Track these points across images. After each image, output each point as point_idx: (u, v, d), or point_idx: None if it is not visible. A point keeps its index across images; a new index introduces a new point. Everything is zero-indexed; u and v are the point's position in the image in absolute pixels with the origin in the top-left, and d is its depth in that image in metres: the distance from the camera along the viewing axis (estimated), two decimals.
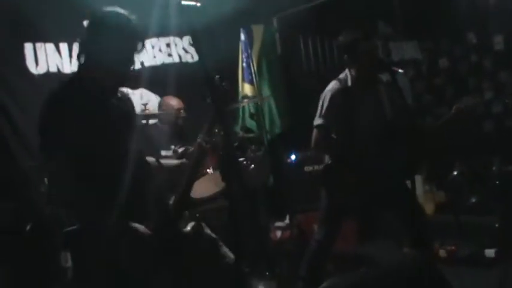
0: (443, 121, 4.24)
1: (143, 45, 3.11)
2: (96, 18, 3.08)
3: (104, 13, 3.07)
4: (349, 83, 4.24)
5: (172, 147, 5.26)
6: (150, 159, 3.32)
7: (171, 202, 3.21)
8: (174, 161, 3.51)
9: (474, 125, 6.15)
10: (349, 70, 4.28)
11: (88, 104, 2.84)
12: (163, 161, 3.39)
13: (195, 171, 3.24)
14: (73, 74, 3.12)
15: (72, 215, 3.11)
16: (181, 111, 5.54)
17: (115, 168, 2.85)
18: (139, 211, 2.97)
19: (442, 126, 4.23)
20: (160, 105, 5.73)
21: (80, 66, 3.02)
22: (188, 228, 3.20)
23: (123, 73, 3.04)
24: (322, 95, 4.30)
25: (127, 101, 3.27)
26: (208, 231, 3.33)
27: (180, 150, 5.21)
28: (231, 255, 3.23)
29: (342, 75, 4.33)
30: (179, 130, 5.50)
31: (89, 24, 3.08)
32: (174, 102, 5.55)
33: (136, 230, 2.91)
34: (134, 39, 3.03)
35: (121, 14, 3.07)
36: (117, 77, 3.04)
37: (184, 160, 3.45)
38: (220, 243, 3.31)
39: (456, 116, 4.13)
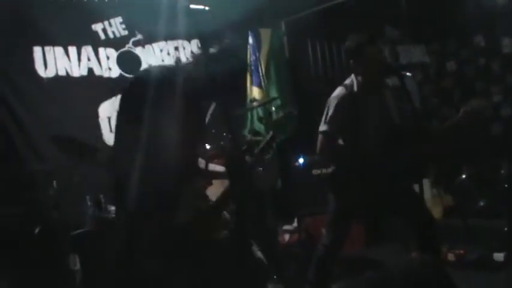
0: (450, 123, 4.22)
1: None
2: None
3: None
4: (355, 89, 4.23)
5: None
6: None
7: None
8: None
9: (482, 128, 6.13)
10: (355, 75, 4.28)
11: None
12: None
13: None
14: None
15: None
16: None
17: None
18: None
19: (449, 128, 4.21)
20: None
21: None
22: (222, 235, 3.19)
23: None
24: (328, 101, 4.29)
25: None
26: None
27: None
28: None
29: (347, 81, 4.31)
30: None
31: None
32: None
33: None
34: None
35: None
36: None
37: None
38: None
39: (463, 119, 4.11)
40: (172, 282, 2.89)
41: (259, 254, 3.32)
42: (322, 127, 4.27)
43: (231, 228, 3.31)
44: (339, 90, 4.28)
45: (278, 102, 6.81)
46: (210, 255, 3.07)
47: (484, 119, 6.07)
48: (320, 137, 4.29)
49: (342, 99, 4.20)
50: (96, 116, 5.85)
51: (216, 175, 3.52)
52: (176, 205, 2.93)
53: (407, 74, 3.99)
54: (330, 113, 4.22)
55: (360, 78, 4.23)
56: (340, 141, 4.34)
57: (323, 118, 4.28)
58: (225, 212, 3.39)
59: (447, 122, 4.26)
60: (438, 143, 4.31)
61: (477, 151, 6.11)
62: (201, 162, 3.41)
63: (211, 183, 3.54)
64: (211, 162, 4.82)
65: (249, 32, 6.93)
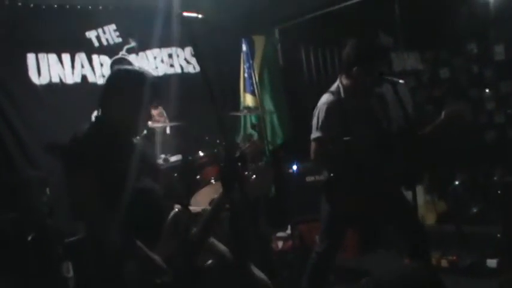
0: (433, 126, 4.22)
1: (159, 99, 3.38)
2: (119, 75, 3.31)
3: (127, 71, 3.31)
4: (342, 95, 4.23)
5: (163, 156, 5.30)
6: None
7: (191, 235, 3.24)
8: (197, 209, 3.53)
9: (476, 134, 6.16)
10: (341, 81, 4.27)
11: (109, 143, 3.08)
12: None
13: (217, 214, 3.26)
14: (96, 118, 3.35)
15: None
16: (164, 119, 5.59)
17: (132, 200, 2.98)
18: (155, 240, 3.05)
19: (433, 132, 4.21)
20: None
21: (103, 110, 3.24)
22: (209, 262, 3.20)
23: (141, 125, 3.28)
24: (317, 108, 4.27)
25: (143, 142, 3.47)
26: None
27: (172, 159, 5.26)
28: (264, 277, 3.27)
29: (333, 88, 4.29)
30: (168, 139, 5.54)
31: (111, 79, 3.31)
32: (155, 112, 5.59)
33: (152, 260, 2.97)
34: (152, 96, 3.21)
35: (142, 73, 3.25)
36: (135, 128, 3.28)
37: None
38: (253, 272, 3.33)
39: (445, 121, 4.12)
40: None
41: (260, 273, 3.32)
42: (315, 134, 4.26)
43: (220, 255, 3.33)
44: (326, 97, 4.26)
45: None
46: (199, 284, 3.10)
47: (477, 124, 6.11)
48: (313, 144, 4.28)
49: (331, 105, 4.19)
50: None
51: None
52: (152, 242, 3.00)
53: (400, 81, 3.99)
54: (320, 119, 4.21)
55: (348, 84, 4.21)
56: (333, 147, 4.34)
57: (314, 125, 4.27)
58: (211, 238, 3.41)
59: (431, 125, 4.26)
60: (425, 147, 4.31)
61: (471, 158, 6.13)
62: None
63: None
64: (204, 170, 4.86)
65: (243, 39, 6.94)
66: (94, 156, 2.95)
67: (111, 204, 2.91)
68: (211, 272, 3.15)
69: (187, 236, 3.16)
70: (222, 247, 3.43)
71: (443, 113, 4.13)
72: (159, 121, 5.65)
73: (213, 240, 3.42)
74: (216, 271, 3.17)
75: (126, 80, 3.21)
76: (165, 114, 5.81)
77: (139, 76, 3.20)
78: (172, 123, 5.87)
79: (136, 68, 3.42)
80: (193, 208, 3.45)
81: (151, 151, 3.53)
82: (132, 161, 3.11)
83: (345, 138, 4.06)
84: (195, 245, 3.13)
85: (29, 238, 4.47)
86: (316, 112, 4.27)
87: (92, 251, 3.08)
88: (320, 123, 4.21)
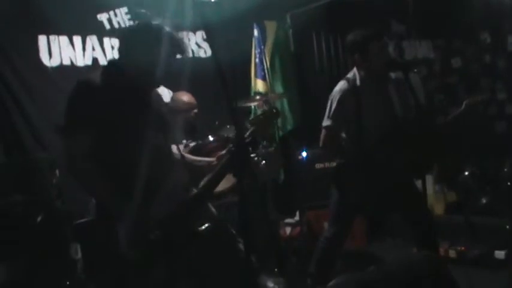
0: (453, 117, 4.21)
1: (182, 52, 3.41)
2: (140, 28, 3.35)
3: (148, 25, 3.29)
4: (358, 83, 4.23)
5: (184, 141, 5.27)
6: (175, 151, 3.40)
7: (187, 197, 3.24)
8: (205, 159, 3.52)
9: (486, 125, 6.12)
10: (358, 69, 4.27)
11: (121, 95, 3.00)
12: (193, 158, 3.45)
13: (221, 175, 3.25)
14: (109, 65, 3.30)
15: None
16: (193, 107, 5.52)
17: (137, 158, 2.95)
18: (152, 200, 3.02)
19: (451, 122, 4.20)
20: (172, 100, 5.72)
21: (119, 60, 3.21)
22: (203, 227, 3.19)
23: (158, 79, 3.21)
24: (331, 96, 4.29)
25: (158, 99, 3.44)
26: (228, 227, 3.36)
27: (192, 144, 5.24)
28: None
29: (350, 75, 4.31)
30: (190, 125, 5.50)
31: (133, 32, 3.35)
32: (185, 97, 5.53)
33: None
34: (173, 50, 3.28)
35: (163, 27, 3.27)
36: (152, 82, 3.26)
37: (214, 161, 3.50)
38: (239, 240, 3.33)
39: (466, 112, 4.11)
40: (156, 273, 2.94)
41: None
42: (326, 122, 4.27)
43: (216, 220, 3.33)
44: (341, 84, 4.28)
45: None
46: (193, 248, 3.10)
47: (487, 114, 6.08)
48: (323, 131, 4.29)
49: (344, 94, 4.20)
50: None
51: (194, 167, 3.55)
52: (153, 200, 2.99)
53: (414, 70, 3.98)
54: (333, 108, 4.23)
55: (362, 72, 4.23)
56: (344, 135, 4.35)
57: (326, 113, 4.28)
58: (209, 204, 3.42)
59: (450, 116, 4.25)
60: (441, 136, 4.30)
61: (481, 148, 6.11)
62: (177, 155, 3.44)
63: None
64: (214, 155, 4.85)
65: (254, 25, 6.92)
66: (102, 108, 2.91)
67: (108, 160, 2.91)
68: (206, 235, 3.16)
69: (187, 197, 3.19)
70: (214, 211, 3.47)
71: (464, 103, 4.12)
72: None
73: (209, 204, 3.44)
74: (212, 235, 3.17)
75: (147, 30, 3.21)
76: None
77: (159, 27, 3.22)
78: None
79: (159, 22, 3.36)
80: None
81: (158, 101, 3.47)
82: (148, 116, 3.08)
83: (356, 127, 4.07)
84: (193, 207, 3.15)
85: (38, 219, 4.48)
86: (330, 99, 4.28)
87: (101, 233, 3.08)
88: (332, 112, 4.23)
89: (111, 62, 3.25)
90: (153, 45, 3.10)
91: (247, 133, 3.34)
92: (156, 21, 3.28)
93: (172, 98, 5.64)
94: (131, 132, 2.97)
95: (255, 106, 6.94)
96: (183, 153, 3.49)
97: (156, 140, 3.10)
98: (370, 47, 4.11)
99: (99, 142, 2.90)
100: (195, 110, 5.48)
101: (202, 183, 3.29)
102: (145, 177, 2.93)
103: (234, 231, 3.43)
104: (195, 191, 3.24)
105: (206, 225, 3.17)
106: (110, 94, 2.96)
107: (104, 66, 3.29)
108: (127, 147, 2.95)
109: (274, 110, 3.60)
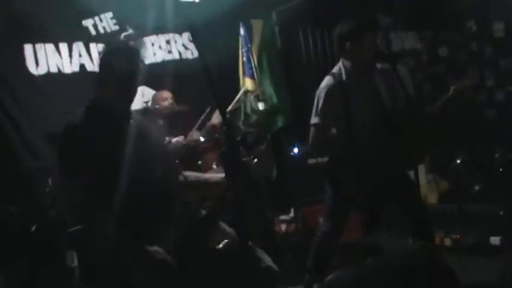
0: (442, 103, 4.22)
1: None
2: (109, 52, 3.32)
3: (116, 47, 3.37)
4: (344, 77, 4.21)
5: (167, 138, 5.30)
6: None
7: (200, 215, 3.25)
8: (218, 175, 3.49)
9: (476, 112, 6.15)
10: (343, 62, 4.26)
11: (107, 127, 3.04)
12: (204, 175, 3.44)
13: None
14: (89, 103, 3.29)
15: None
16: (169, 100, 5.57)
17: (134, 185, 2.94)
18: (160, 228, 3.04)
19: (440, 109, 4.21)
20: (153, 100, 5.74)
21: (97, 93, 3.28)
22: (221, 245, 3.18)
23: (133, 93, 3.25)
24: (317, 92, 4.25)
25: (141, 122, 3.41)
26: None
27: (174, 140, 5.25)
28: (271, 264, 3.27)
29: (335, 70, 4.28)
30: (172, 122, 5.52)
31: (104, 57, 3.30)
32: (165, 95, 5.58)
33: (151, 253, 2.96)
34: (140, 66, 3.22)
35: (130, 47, 3.34)
36: (129, 98, 3.26)
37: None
38: (260, 257, 3.29)
39: (454, 97, 4.12)
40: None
41: (268, 260, 3.30)
42: (314, 119, 4.25)
43: (231, 236, 3.30)
44: (326, 80, 4.25)
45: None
46: (212, 267, 3.09)
47: (476, 100, 6.10)
48: (312, 129, 4.27)
49: (331, 89, 4.17)
50: None
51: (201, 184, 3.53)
52: (164, 226, 2.99)
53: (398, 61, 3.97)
54: (320, 104, 4.20)
55: (349, 65, 4.21)
56: (333, 131, 4.33)
57: (313, 110, 4.26)
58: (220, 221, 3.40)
59: (438, 102, 4.26)
60: (432, 124, 4.31)
61: (472, 136, 6.13)
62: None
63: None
64: (205, 155, 4.86)
65: (240, 24, 6.92)
66: (84, 143, 2.94)
67: (106, 198, 2.88)
68: (225, 253, 3.16)
69: (198, 218, 3.19)
70: (229, 229, 3.40)
71: (452, 88, 4.13)
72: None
73: (221, 222, 3.41)
74: (230, 252, 3.16)
75: (106, 56, 3.24)
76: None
77: (117, 51, 3.25)
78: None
79: (120, 44, 3.41)
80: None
81: (156, 131, 3.47)
82: (127, 144, 3.06)
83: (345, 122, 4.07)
84: (206, 226, 3.15)
85: (32, 229, 4.48)
86: (316, 96, 4.26)
87: (95, 241, 3.08)
88: (319, 109, 4.20)
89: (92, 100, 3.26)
90: (111, 67, 3.15)
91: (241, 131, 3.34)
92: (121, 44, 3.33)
93: (153, 98, 5.68)
94: (109, 163, 2.95)
95: (244, 103, 6.94)
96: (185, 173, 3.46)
97: (145, 167, 3.10)
98: (364, 37, 4.09)
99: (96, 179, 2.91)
100: (170, 101, 5.52)
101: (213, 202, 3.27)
102: (140, 207, 2.94)
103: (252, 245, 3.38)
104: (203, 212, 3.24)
105: (225, 241, 3.18)
106: (97, 133, 3.00)
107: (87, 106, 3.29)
108: (108, 179, 2.92)
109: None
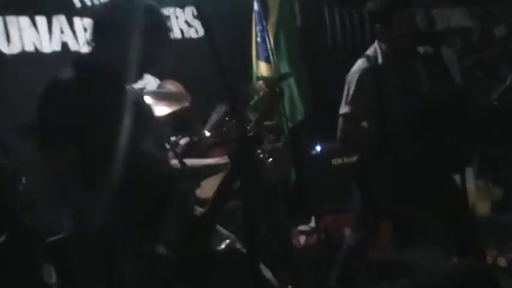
0: (497, 93, 4.20)
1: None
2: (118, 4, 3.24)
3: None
4: (380, 60, 4.21)
5: (173, 138, 5.27)
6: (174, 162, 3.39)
7: (198, 213, 3.26)
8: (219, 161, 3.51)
9: None
10: (379, 44, 4.25)
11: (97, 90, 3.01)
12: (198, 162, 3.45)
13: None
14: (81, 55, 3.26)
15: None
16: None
17: (124, 171, 2.87)
18: (157, 225, 3.03)
19: (495, 102, 4.19)
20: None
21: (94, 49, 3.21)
22: (222, 246, 3.21)
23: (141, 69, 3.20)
24: (348, 77, 4.27)
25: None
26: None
27: (182, 141, 5.23)
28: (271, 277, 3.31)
29: (369, 51, 4.29)
30: (180, 121, 5.49)
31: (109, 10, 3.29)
32: (174, 88, 5.53)
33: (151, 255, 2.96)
34: (156, 33, 3.18)
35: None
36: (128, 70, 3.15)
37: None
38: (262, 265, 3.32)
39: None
40: None
41: (268, 274, 3.33)
42: (343, 109, 4.25)
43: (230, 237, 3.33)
44: (360, 63, 4.26)
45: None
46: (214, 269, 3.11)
47: None
48: (341, 120, 4.27)
49: (364, 74, 4.17)
50: None
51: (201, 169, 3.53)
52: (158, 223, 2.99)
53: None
54: (351, 92, 4.21)
55: (385, 47, 4.21)
56: (365, 124, 4.33)
57: (343, 98, 4.26)
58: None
59: (493, 93, 4.24)
60: (484, 122, 4.30)
61: None
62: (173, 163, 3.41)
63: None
64: (212, 151, 4.84)
65: None
66: (72, 108, 2.92)
67: (98, 178, 2.84)
68: (226, 255, 3.19)
69: (195, 218, 3.21)
70: (227, 233, 3.45)
71: (509, 78, 4.10)
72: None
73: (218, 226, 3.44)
74: (231, 255, 3.20)
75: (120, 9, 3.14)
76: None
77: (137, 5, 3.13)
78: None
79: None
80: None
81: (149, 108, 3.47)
82: (125, 114, 3.00)
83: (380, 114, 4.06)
84: (205, 228, 3.17)
85: (2, 239, 4.47)
86: (346, 82, 4.25)
87: (79, 251, 3.07)
88: (350, 96, 4.20)
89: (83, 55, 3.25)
90: (134, 27, 3.00)
91: (251, 124, 3.32)
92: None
93: (158, 88, 5.64)
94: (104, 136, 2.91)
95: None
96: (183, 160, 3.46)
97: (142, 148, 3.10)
98: (394, 16, 4.08)
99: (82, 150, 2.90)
100: (186, 104, 5.46)
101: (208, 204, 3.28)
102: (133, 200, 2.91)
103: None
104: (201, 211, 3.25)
105: (227, 241, 3.21)
106: (85, 95, 2.95)
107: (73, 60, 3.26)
108: (101, 156, 2.88)
109: (278, 90, 3.56)
